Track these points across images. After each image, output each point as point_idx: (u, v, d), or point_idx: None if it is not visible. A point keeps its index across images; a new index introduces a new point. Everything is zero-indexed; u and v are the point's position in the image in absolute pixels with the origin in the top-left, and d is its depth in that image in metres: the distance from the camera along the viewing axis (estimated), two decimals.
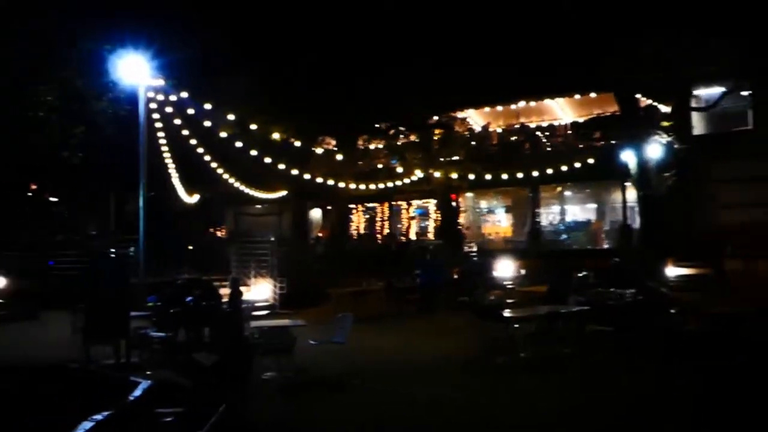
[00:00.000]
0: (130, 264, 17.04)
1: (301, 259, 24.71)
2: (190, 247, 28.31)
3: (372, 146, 32.52)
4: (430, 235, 30.69)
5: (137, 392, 5.83)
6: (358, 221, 34.54)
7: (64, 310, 14.49)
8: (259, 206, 34.46)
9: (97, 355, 12.17)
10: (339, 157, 26.28)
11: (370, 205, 33.70)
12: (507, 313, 13.29)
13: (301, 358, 11.58)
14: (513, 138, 29.59)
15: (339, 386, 10.90)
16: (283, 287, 21.46)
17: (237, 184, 28.23)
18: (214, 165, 25.42)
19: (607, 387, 10.64)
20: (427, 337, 16.03)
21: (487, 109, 30.17)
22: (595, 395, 10.18)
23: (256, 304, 19.23)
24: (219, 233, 35.77)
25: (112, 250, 14.77)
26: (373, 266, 23.74)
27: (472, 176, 26.38)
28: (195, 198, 31.00)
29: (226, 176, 26.90)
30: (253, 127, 21.71)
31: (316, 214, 35.56)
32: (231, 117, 21.45)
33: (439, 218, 30.23)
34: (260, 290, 21.45)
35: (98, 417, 5.04)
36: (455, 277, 22.62)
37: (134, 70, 17.06)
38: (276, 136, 22.27)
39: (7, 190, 19.77)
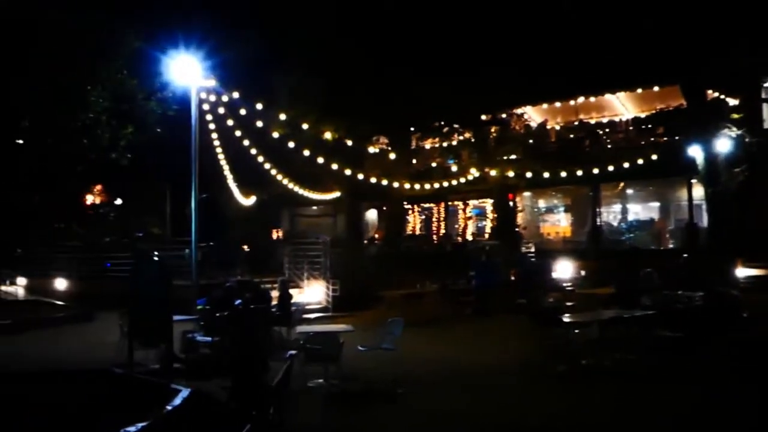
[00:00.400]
0: (172, 266, 16.90)
1: (354, 261, 24.38)
2: (246, 249, 28.31)
3: (426, 145, 32.09)
4: (487, 236, 30.03)
5: (176, 401, 5.55)
6: (414, 222, 34.15)
7: (117, 312, 14.42)
8: (315, 207, 34.39)
9: (146, 359, 11.99)
10: (392, 156, 25.96)
11: (426, 205, 33.30)
12: (566, 317, 12.66)
13: (349, 365, 11.15)
14: (572, 135, 28.70)
15: (385, 395, 10.39)
16: (335, 289, 21.07)
17: (292, 186, 28.13)
18: (267, 166, 25.38)
19: (674, 397, 9.89)
20: (482, 342, 15.46)
21: (544, 105, 29.39)
22: (659, 406, 9.49)
23: (308, 307, 18.96)
24: (275, 235, 35.81)
25: (155, 252, 14.55)
26: (429, 267, 23.31)
27: (529, 175, 25.85)
28: (251, 200, 31.10)
29: (279, 177, 26.83)
30: (305, 126, 21.54)
31: (372, 215, 35.32)
32: (283, 117, 21.33)
33: (496, 218, 29.52)
34: (313, 292, 21.15)
35: (131, 429, 4.76)
36: (512, 278, 21.97)
37: (185, 71, 16.96)
38: (328, 135, 22.07)
39: (59, 193, 19.97)
